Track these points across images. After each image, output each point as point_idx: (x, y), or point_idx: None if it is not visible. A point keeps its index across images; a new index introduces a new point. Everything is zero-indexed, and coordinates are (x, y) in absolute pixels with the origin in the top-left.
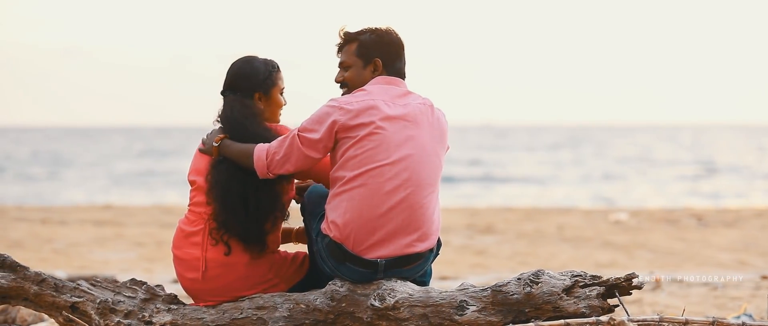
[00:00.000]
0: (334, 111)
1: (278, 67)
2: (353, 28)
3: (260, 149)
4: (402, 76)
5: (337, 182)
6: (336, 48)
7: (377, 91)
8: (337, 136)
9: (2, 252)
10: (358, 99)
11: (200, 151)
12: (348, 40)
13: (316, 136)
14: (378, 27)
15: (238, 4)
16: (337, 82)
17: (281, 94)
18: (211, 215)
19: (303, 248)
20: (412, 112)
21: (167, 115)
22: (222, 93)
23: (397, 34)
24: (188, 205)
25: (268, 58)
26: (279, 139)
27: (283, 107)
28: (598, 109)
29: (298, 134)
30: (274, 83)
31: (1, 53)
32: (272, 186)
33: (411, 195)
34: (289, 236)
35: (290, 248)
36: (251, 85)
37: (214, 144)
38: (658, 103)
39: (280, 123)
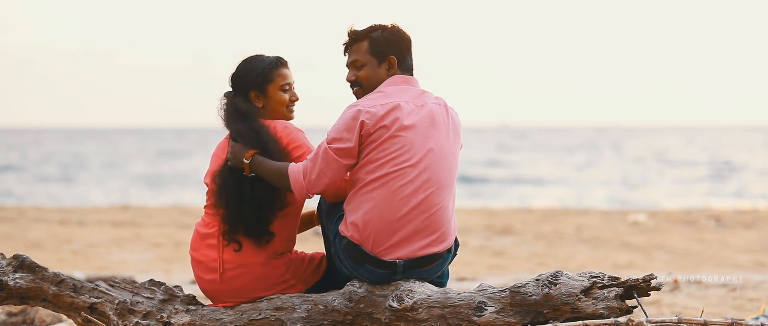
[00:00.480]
0: (360, 115)
1: (280, 63)
2: (359, 27)
3: (295, 171)
4: (412, 72)
5: (357, 183)
6: (343, 47)
7: (397, 92)
8: (361, 140)
9: (21, 253)
10: (380, 102)
11: (229, 163)
12: (358, 38)
13: (350, 144)
14: (384, 24)
15: (258, 5)
16: (349, 81)
17: (284, 90)
18: (221, 217)
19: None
20: (430, 112)
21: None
22: (225, 93)
23: (404, 31)
24: (204, 207)
25: (274, 56)
26: (310, 156)
27: (296, 103)
28: (616, 109)
29: (329, 147)
30: (270, 80)
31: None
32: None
33: (431, 196)
34: (312, 221)
35: (307, 245)
36: (246, 84)
37: (245, 160)
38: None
39: (291, 119)
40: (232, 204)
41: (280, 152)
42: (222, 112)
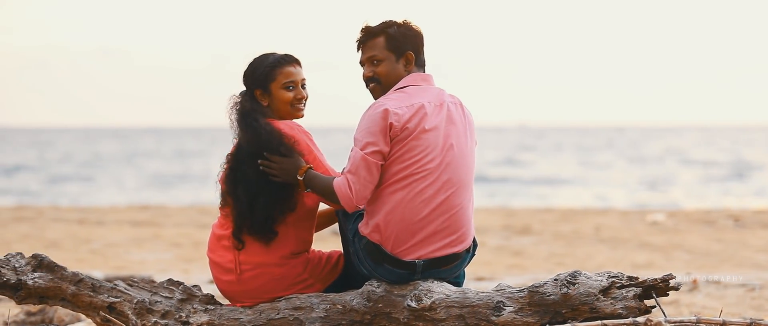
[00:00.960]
0: (389, 116)
1: (285, 61)
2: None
3: (341, 185)
4: (425, 67)
5: (378, 184)
6: (357, 43)
7: (420, 92)
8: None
9: (40, 253)
10: (405, 103)
11: (278, 179)
12: (373, 33)
13: (385, 147)
14: (396, 20)
15: (279, 4)
16: (367, 77)
17: (287, 88)
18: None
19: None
20: (449, 112)
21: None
22: (240, 92)
23: (417, 26)
24: (219, 208)
25: (282, 53)
26: (347, 168)
27: (303, 101)
28: (635, 109)
29: (365, 154)
30: (272, 78)
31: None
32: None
33: (452, 196)
34: (331, 218)
35: (326, 245)
36: (250, 82)
37: (299, 177)
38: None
39: (299, 118)
40: (238, 202)
41: (284, 155)
42: (230, 111)
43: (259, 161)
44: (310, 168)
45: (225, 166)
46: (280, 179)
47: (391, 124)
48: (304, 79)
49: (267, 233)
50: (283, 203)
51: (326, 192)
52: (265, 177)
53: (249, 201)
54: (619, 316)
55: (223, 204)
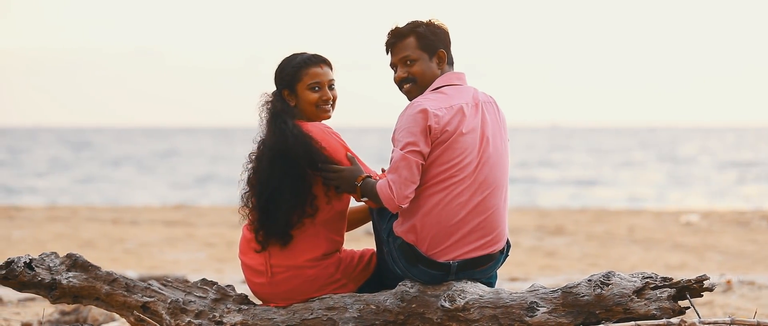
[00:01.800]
0: (429, 118)
1: (311, 62)
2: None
3: (382, 187)
4: (454, 64)
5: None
6: (386, 46)
7: (457, 93)
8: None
9: (74, 252)
10: (445, 104)
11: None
12: (403, 34)
13: (425, 147)
14: (421, 20)
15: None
16: (400, 78)
17: (313, 89)
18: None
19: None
20: (485, 112)
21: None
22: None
23: (443, 24)
24: (240, 209)
25: (310, 54)
26: (390, 170)
27: (330, 102)
28: (669, 109)
29: (406, 154)
30: (298, 79)
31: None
32: (295, 181)
33: (487, 198)
34: (365, 217)
35: (359, 244)
36: (278, 83)
37: (357, 184)
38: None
39: (326, 119)
40: (257, 203)
41: (311, 156)
42: (261, 109)
43: (319, 171)
44: (369, 177)
45: (248, 167)
46: (341, 189)
47: (430, 126)
48: (331, 80)
49: (283, 237)
50: (301, 208)
51: (373, 197)
52: (284, 181)
53: (266, 203)
54: (653, 317)
55: (245, 204)
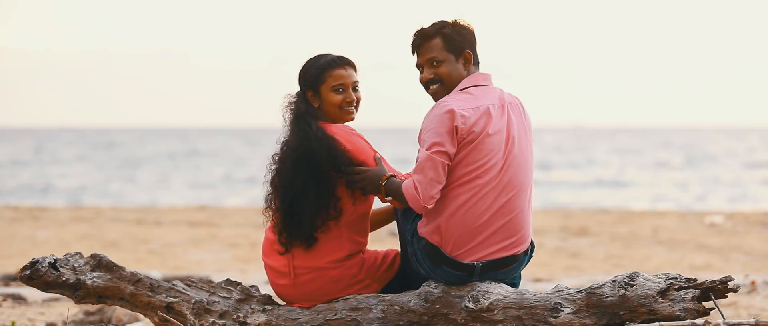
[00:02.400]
0: (455, 118)
1: (335, 63)
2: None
3: (408, 187)
4: (479, 65)
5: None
6: (412, 47)
7: (483, 94)
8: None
9: (98, 253)
10: (471, 105)
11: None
12: (429, 35)
13: (452, 148)
14: (447, 20)
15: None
16: (427, 79)
17: (336, 91)
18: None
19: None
20: (510, 114)
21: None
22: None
23: (469, 24)
24: (263, 210)
25: (334, 55)
26: (415, 170)
27: (353, 104)
28: (693, 110)
29: (432, 154)
30: (322, 81)
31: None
32: (319, 183)
33: (512, 199)
34: (389, 217)
35: (384, 245)
36: (302, 84)
37: (381, 183)
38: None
39: (349, 120)
40: (281, 205)
41: (334, 158)
42: (284, 110)
43: (343, 173)
44: (393, 176)
45: (272, 168)
46: (366, 190)
47: (456, 126)
48: (356, 82)
49: (307, 239)
50: (324, 210)
51: (398, 196)
52: (308, 183)
53: (290, 206)
54: (678, 318)
55: (268, 206)
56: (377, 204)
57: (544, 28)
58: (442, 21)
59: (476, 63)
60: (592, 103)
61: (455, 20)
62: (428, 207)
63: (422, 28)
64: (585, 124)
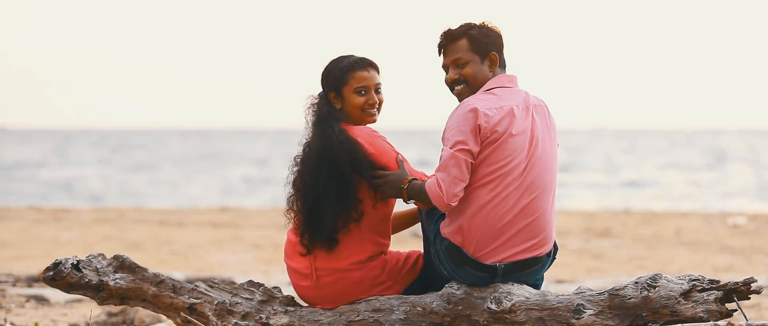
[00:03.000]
0: (479, 117)
1: (358, 65)
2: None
3: (431, 185)
4: (506, 67)
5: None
6: (438, 47)
7: (508, 95)
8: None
9: (121, 254)
10: (495, 105)
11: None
12: (455, 36)
13: (475, 146)
14: (475, 22)
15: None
16: (451, 80)
17: (359, 93)
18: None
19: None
20: (535, 116)
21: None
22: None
23: (496, 26)
24: (285, 212)
25: (358, 57)
26: (439, 168)
27: (376, 106)
28: (715, 111)
29: (455, 152)
30: (344, 83)
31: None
32: (341, 186)
33: (535, 200)
34: (413, 219)
35: (406, 246)
36: (325, 85)
37: (403, 187)
38: None
39: (371, 122)
40: (303, 207)
41: (356, 160)
42: (307, 111)
43: (365, 176)
44: (415, 179)
45: (294, 170)
46: (387, 194)
47: (480, 125)
48: (378, 84)
49: (329, 241)
50: (346, 213)
51: (420, 196)
52: (330, 185)
53: (312, 208)
54: (701, 319)
55: (290, 208)
56: (401, 206)
57: (567, 30)
58: (469, 22)
59: (502, 65)
60: (616, 104)
61: (483, 22)
62: (452, 205)
63: (449, 29)
64: (608, 125)
